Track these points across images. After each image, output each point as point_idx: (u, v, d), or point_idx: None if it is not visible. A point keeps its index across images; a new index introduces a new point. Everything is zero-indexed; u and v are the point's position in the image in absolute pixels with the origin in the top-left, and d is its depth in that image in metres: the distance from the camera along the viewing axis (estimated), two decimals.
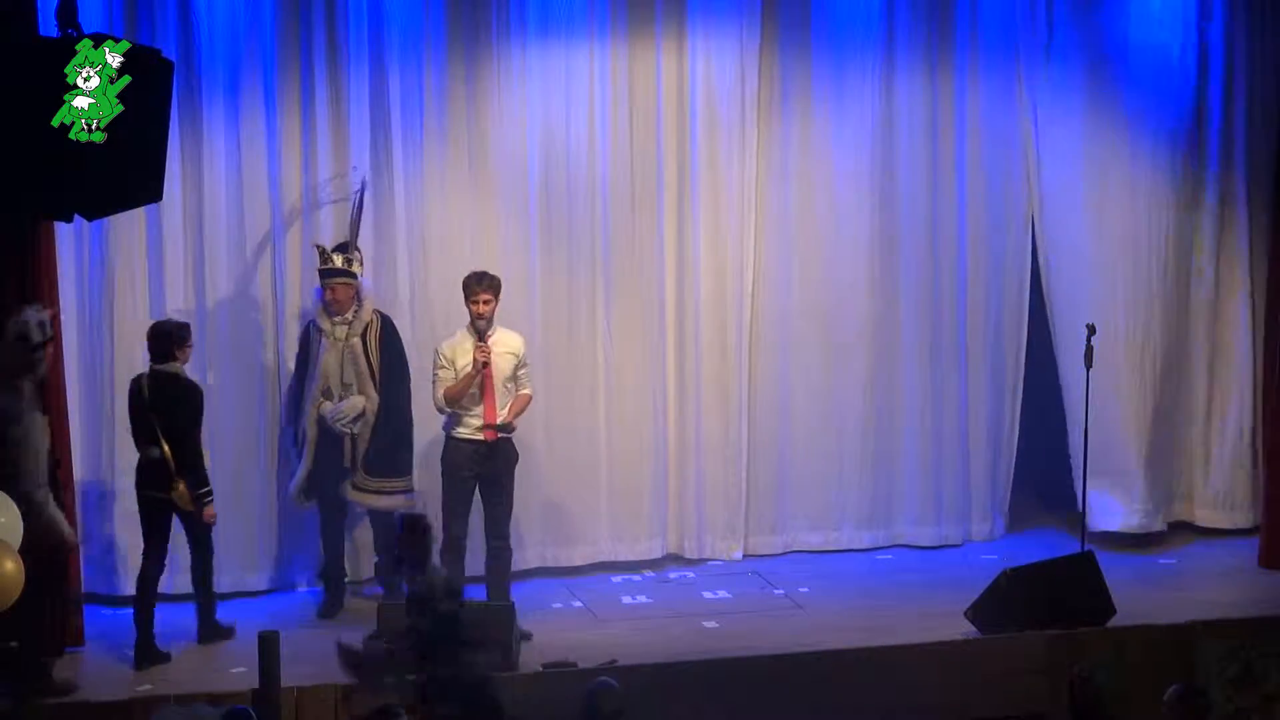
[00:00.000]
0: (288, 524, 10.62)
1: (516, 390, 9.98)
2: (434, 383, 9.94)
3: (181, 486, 9.59)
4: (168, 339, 9.64)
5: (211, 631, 9.90)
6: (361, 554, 10.74)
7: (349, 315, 10.15)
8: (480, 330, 9.82)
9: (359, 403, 10.12)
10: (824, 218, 11.34)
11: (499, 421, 9.83)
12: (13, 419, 8.99)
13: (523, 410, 10.02)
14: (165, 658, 9.58)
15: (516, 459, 10.05)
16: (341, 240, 10.30)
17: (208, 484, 9.66)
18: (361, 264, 10.25)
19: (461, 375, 9.80)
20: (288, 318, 10.64)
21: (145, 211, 10.13)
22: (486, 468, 9.90)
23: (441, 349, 9.95)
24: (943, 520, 11.58)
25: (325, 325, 10.16)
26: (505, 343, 9.94)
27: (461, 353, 9.85)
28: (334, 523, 10.33)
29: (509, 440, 9.97)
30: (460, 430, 9.90)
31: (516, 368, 9.95)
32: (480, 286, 9.83)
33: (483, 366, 9.77)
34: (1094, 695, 7.74)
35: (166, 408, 9.60)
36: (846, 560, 11.38)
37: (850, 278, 11.38)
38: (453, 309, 10.58)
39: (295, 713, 8.57)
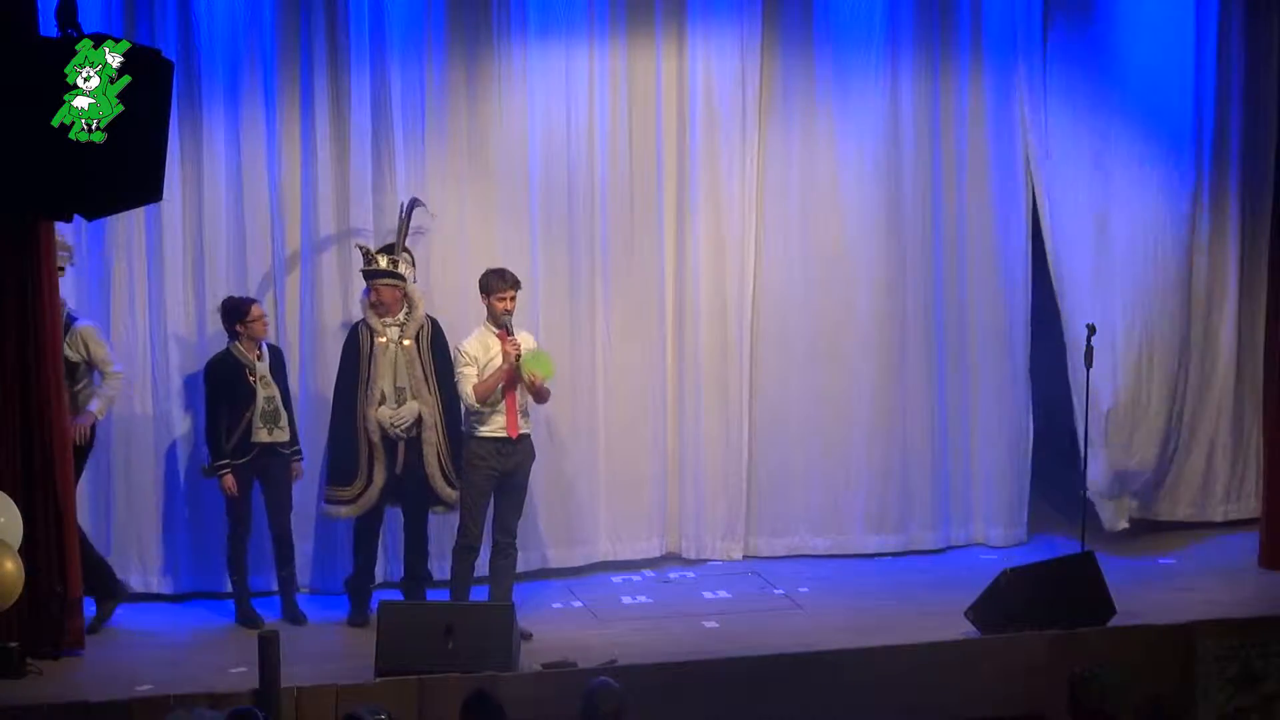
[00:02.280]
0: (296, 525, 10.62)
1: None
2: (460, 380, 9.92)
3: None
4: (226, 314, 10.13)
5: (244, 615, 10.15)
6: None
7: (400, 317, 10.16)
8: (506, 326, 9.83)
9: (415, 407, 10.10)
10: (825, 218, 11.33)
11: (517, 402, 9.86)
12: None
13: (542, 386, 9.93)
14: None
15: (534, 455, 10.07)
16: (388, 243, 10.28)
17: (222, 457, 9.98)
18: (412, 265, 10.25)
19: (488, 371, 9.82)
20: (287, 317, 10.64)
21: (145, 211, 10.12)
22: (508, 465, 9.91)
23: (464, 347, 9.94)
24: (949, 524, 11.56)
25: (376, 325, 10.15)
26: (522, 340, 9.96)
27: (484, 349, 9.86)
28: (372, 531, 10.31)
29: (528, 438, 9.99)
30: (484, 429, 9.89)
31: None
32: (505, 284, 9.87)
33: (516, 359, 9.78)
34: (1097, 695, 7.72)
35: None
36: (846, 560, 11.36)
37: (853, 278, 11.37)
38: (454, 308, 10.58)
39: (295, 713, 8.57)
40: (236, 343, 10.05)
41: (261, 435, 10.01)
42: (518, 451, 9.92)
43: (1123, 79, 11.49)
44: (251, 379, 10.01)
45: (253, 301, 10.15)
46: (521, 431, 9.91)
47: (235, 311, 10.07)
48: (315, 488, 10.48)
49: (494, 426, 9.88)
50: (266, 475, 10.11)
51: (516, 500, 10.00)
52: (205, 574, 10.58)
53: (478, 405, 9.85)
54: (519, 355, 9.80)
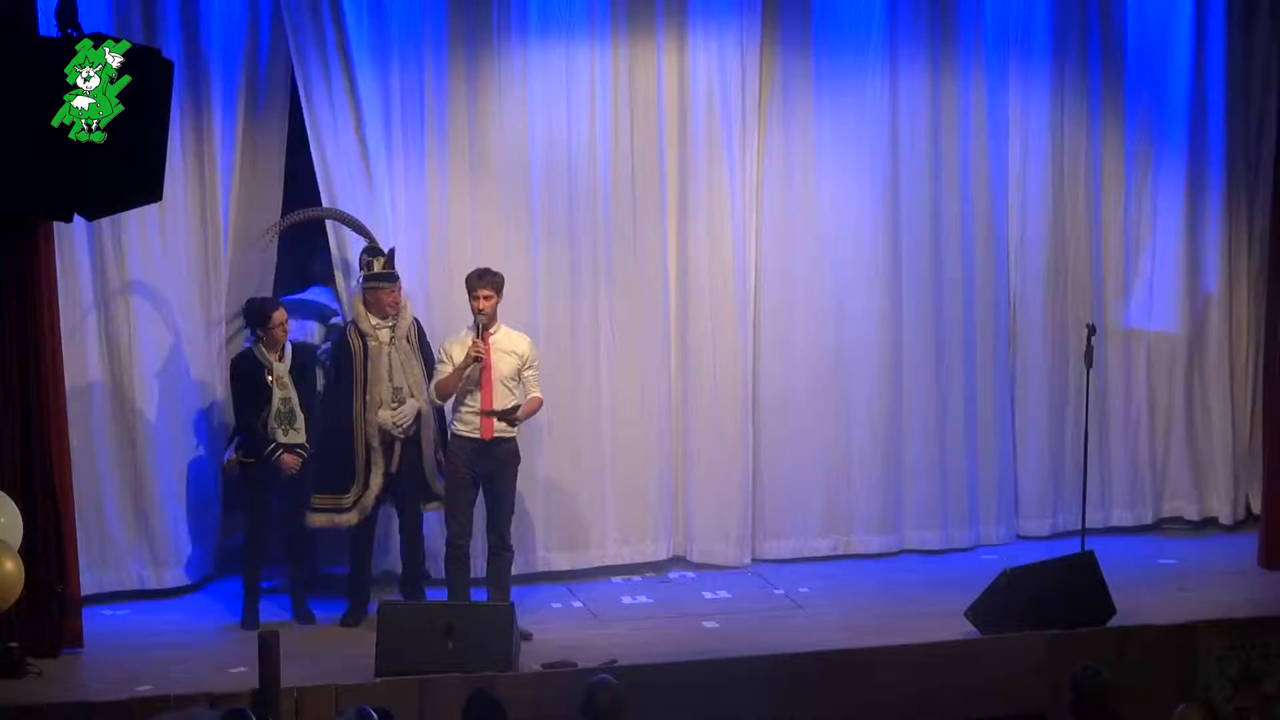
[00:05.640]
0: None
1: (525, 393, 9.97)
2: (434, 376, 9.97)
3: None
4: (248, 316, 10.15)
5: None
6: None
7: (391, 319, 10.18)
8: (481, 325, 9.83)
9: (415, 405, 10.11)
10: (826, 217, 11.32)
11: (494, 408, 9.80)
12: None
13: (531, 413, 9.98)
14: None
15: (518, 460, 10.04)
16: (372, 245, 10.28)
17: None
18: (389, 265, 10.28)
19: (454, 369, 9.83)
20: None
21: (145, 211, 10.12)
22: (486, 467, 9.90)
23: (444, 344, 9.98)
24: (949, 524, 11.54)
25: (367, 327, 10.15)
26: (507, 343, 9.93)
27: (461, 349, 9.86)
28: (367, 533, 10.29)
29: (511, 441, 9.97)
30: (459, 427, 9.90)
31: (521, 369, 9.93)
32: (481, 283, 9.85)
33: (473, 360, 9.77)
34: (1098, 691, 7.74)
35: None
36: (847, 560, 11.35)
37: (853, 278, 11.36)
38: (454, 309, 10.57)
39: (295, 713, 8.58)
40: (258, 343, 10.07)
41: (278, 435, 10.03)
42: (494, 455, 9.89)
43: (1124, 77, 11.51)
44: (269, 380, 10.03)
45: (276, 306, 10.16)
46: (496, 435, 9.88)
47: (258, 315, 10.09)
48: None
49: (469, 426, 9.88)
50: (282, 475, 10.11)
51: (502, 505, 9.96)
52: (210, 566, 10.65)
53: (438, 401, 9.90)
54: (477, 357, 9.77)
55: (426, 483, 10.18)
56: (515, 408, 9.85)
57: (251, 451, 10.05)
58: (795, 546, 11.38)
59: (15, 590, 8.82)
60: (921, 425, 11.48)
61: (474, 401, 9.85)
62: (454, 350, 9.88)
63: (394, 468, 10.13)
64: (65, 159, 8.73)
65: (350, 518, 10.14)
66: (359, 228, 10.37)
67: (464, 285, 10.09)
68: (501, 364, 9.87)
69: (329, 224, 10.57)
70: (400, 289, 10.17)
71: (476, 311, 9.83)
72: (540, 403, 10.01)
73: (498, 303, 9.88)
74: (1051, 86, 11.49)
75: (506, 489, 9.97)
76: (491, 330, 9.85)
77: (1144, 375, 11.72)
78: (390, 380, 10.11)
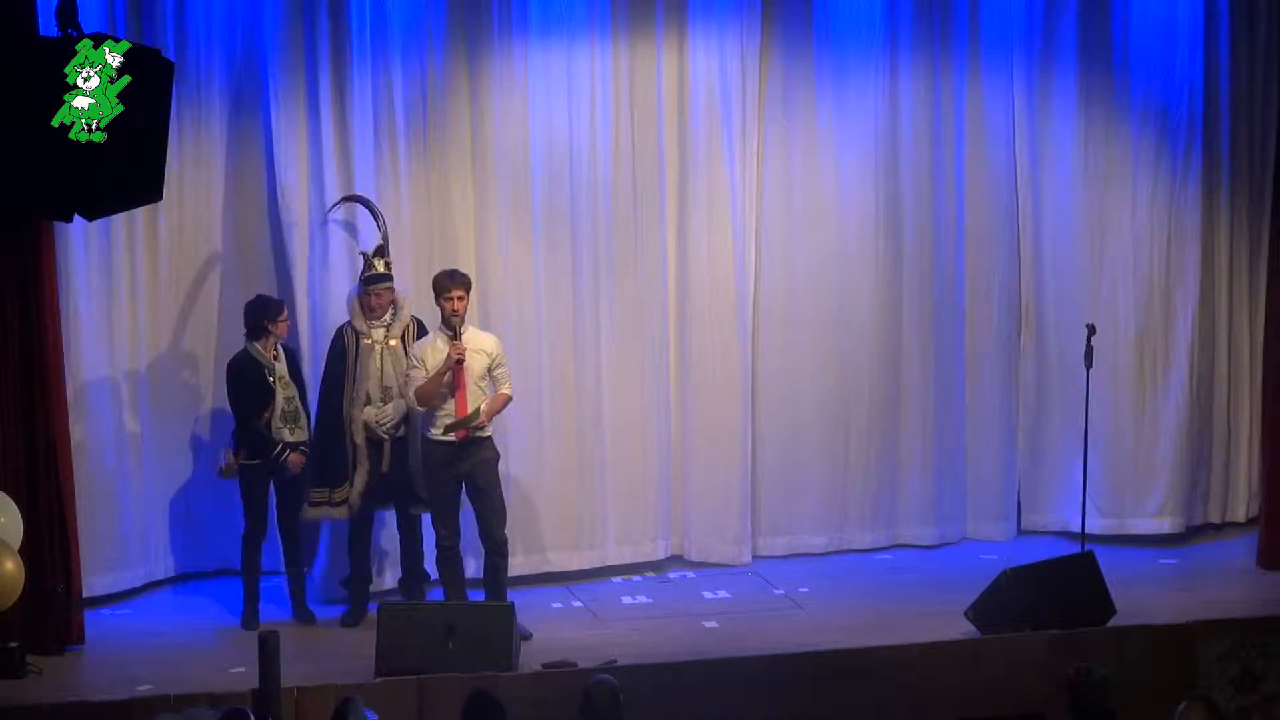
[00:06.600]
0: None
1: (495, 389, 9.97)
2: (406, 382, 9.94)
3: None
4: (252, 313, 10.08)
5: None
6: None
7: (387, 318, 10.17)
8: (453, 327, 9.82)
9: (401, 405, 10.10)
10: (825, 217, 11.33)
11: (465, 412, 9.78)
12: None
13: (499, 409, 9.96)
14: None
15: (497, 458, 10.01)
16: (377, 245, 10.27)
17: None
18: (389, 266, 10.26)
19: (433, 374, 9.81)
20: (293, 318, 10.63)
21: (145, 211, 10.12)
22: (464, 469, 9.88)
23: (414, 349, 9.97)
24: (944, 520, 11.56)
25: (362, 327, 10.15)
26: (477, 342, 9.92)
27: (433, 352, 9.86)
28: (365, 532, 10.29)
29: (487, 440, 9.96)
30: (434, 431, 9.90)
31: (491, 367, 9.92)
32: (453, 283, 9.84)
33: (456, 363, 9.76)
34: (1095, 689, 7.74)
35: None
36: (847, 559, 11.36)
37: (852, 278, 11.37)
38: None
39: (295, 713, 8.58)
40: (256, 343, 10.05)
41: (284, 435, 10.03)
42: (472, 455, 9.86)
43: (1124, 76, 11.50)
44: (270, 380, 10.02)
45: (281, 304, 10.16)
46: (471, 435, 9.87)
47: (265, 310, 10.06)
48: None
49: (442, 429, 9.86)
50: (282, 475, 10.12)
51: (491, 508, 9.93)
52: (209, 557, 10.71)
53: (419, 408, 9.87)
54: (460, 359, 9.77)
55: (414, 485, 10.18)
56: (477, 411, 9.80)
57: (255, 452, 10.05)
58: (793, 544, 11.40)
59: (16, 590, 8.83)
60: (920, 423, 11.49)
61: (447, 405, 9.84)
62: (426, 355, 9.87)
63: (384, 467, 10.14)
64: (65, 159, 8.73)
65: (341, 512, 10.16)
66: (380, 223, 10.35)
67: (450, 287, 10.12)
68: (473, 363, 9.86)
69: None
70: (390, 290, 10.16)
71: (450, 313, 9.82)
72: (507, 399, 9.98)
73: (467, 303, 9.88)
74: (1053, 86, 11.48)
75: (491, 491, 9.94)
76: (463, 331, 9.85)
77: (1143, 376, 11.70)
78: (381, 379, 10.12)
